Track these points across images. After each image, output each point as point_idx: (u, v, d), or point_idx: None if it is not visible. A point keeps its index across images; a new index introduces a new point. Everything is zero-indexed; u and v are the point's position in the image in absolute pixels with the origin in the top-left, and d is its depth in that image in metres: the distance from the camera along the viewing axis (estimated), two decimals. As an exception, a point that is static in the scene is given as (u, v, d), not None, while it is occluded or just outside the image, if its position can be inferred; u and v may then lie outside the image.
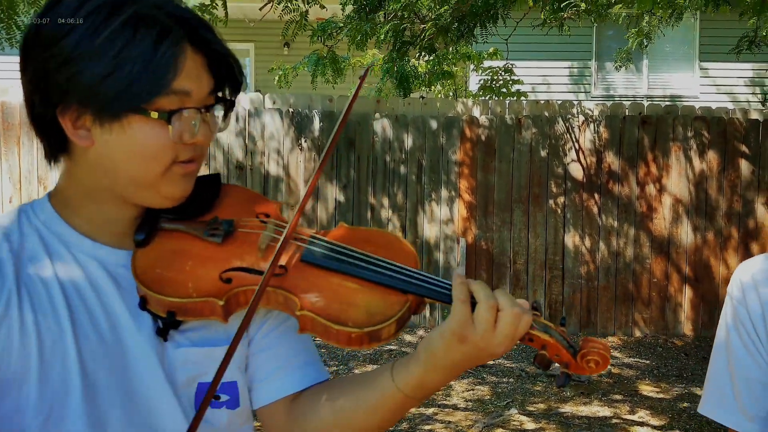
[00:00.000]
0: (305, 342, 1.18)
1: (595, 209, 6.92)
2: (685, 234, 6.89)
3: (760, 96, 11.68)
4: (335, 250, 1.05)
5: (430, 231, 6.90)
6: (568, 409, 5.09)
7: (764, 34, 6.29)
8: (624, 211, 6.92)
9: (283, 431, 1.13)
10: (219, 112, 1.09)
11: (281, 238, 1.02)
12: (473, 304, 0.95)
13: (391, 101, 7.11)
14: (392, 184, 6.91)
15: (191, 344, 1.08)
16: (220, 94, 1.07)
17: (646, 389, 5.55)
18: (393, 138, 6.89)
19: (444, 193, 6.87)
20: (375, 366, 5.73)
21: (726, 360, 1.31)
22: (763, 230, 6.86)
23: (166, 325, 1.04)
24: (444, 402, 5.18)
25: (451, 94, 9.44)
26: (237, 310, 1.03)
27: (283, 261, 1.03)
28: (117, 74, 0.95)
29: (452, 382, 5.58)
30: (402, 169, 6.91)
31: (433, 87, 8.43)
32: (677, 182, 6.89)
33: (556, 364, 0.97)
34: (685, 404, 5.18)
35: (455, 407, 5.09)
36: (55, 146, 1.04)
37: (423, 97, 7.30)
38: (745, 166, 6.86)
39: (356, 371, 5.81)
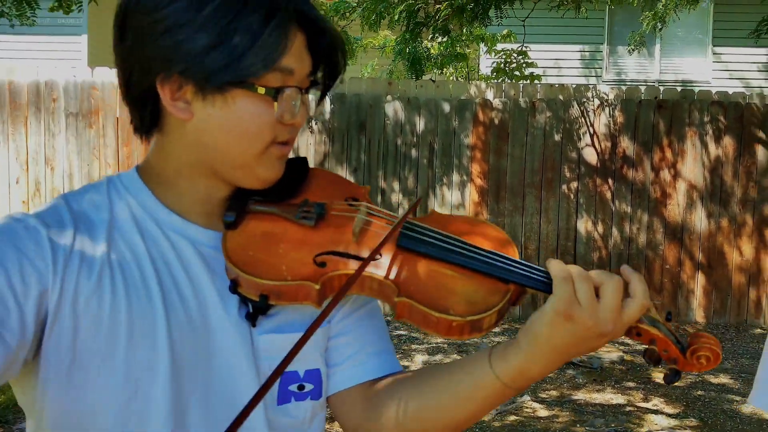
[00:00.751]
0: (381, 330, 1.14)
1: (609, 195, 6.84)
2: (699, 220, 6.82)
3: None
4: (431, 236, 1.01)
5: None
6: (581, 396, 5.04)
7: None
8: (638, 197, 6.84)
9: (357, 421, 1.09)
10: (312, 95, 1.05)
11: (393, 226, 0.99)
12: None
13: (403, 83, 7.02)
14: (403, 168, 6.84)
15: (276, 330, 1.03)
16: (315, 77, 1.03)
17: (660, 377, 5.50)
18: (405, 121, 6.81)
19: (455, 177, 6.80)
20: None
21: None
22: (779, 217, 6.78)
23: (257, 310, 1.00)
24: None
25: (463, 77, 9.33)
26: (330, 295, 0.98)
27: (382, 247, 1.00)
28: (225, 45, 0.92)
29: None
30: (413, 152, 6.83)
31: (445, 69, 8.33)
32: (692, 168, 6.80)
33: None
34: (700, 392, 5.13)
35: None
36: (149, 119, 1.00)
37: (433, 80, 7.20)
38: (761, 152, 6.77)
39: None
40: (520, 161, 6.83)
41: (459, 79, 8.74)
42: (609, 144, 6.83)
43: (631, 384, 5.33)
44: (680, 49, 11.94)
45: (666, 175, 6.82)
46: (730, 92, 7.02)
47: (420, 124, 6.82)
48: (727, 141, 6.78)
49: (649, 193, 6.84)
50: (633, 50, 8.39)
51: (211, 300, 1.00)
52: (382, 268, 0.97)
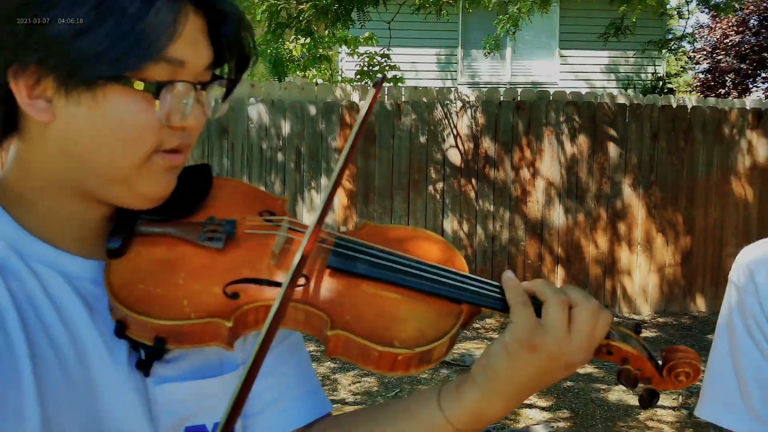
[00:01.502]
0: (305, 366, 0.98)
1: (473, 194, 6.98)
2: (557, 216, 7.09)
3: (616, 83, 12.31)
4: (368, 252, 0.85)
5: (309, 221, 6.68)
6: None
7: (633, 20, 6.54)
8: (500, 196, 7.02)
9: None
10: (215, 92, 0.86)
11: (304, 240, 0.80)
12: (536, 307, 0.79)
13: (266, 85, 6.82)
14: (269, 173, 6.64)
15: (178, 378, 0.84)
16: (218, 71, 0.85)
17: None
18: (270, 124, 6.61)
19: (324, 181, 6.68)
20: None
21: (731, 359, 1.20)
22: (630, 211, 7.18)
23: (151, 356, 0.81)
24: (331, 397, 5.02)
25: (326, 79, 9.24)
26: (244, 333, 0.81)
27: (304, 269, 0.83)
28: (96, 30, 0.72)
29: (337, 375, 5.43)
30: (280, 156, 6.65)
31: (308, 72, 8.20)
32: (550, 166, 7.07)
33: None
34: (569, 383, 5.31)
35: (343, 402, 4.94)
36: (4, 122, 0.80)
37: (290, 81, 7.05)
38: (613, 149, 7.14)
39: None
40: (387, 163, 6.82)
41: (324, 81, 8.62)
42: (471, 145, 6.96)
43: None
44: (530, 53, 12.48)
45: (526, 173, 7.05)
46: (578, 93, 7.36)
47: (286, 128, 6.64)
48: (582, 139, 7.10)
49: (510, 191, 7.03)
50: (489, 53, 8.61)
51: (93, 348, 0.80)
52: (309, 295, 0.81)
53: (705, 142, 7.26)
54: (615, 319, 6.00)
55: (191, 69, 0.79)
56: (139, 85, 0.75)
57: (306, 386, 0.96)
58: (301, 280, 0.82)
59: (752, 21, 12.33)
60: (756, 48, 12.41)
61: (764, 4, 11.44)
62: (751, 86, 13.22)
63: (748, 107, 7.38)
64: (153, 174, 0.81)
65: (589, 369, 5.61)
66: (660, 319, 7.08)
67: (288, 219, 0.90)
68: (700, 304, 7.33)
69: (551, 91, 7.30)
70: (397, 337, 0.78)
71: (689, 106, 7.29)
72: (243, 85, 6.88)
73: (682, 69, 15.25)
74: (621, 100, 7.26)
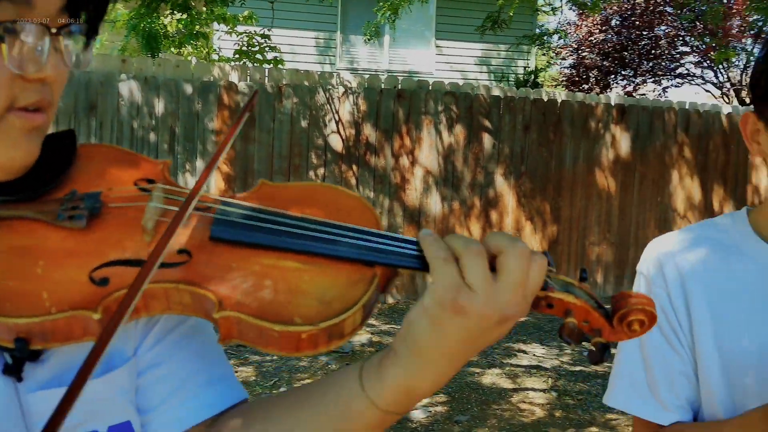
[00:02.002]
0: (210, 351, 0.87)
1: (354, 180, 6.97)
2: (434, 204, 7.22)
3: (488, 75, 12.69)
4: (261, 218, 0.74)
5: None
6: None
7: (510, 14, 6.73)
8: (380, 183, 7.06)
9: None
10: (75, 42, 0.74)
11: (180, 208, 0.70)
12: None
13: (138, 61, 6.48)
14: (141, 153, 6.33)
15: (53, 383, 0.74)
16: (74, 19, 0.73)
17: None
18: (142, 102, 6.29)
19: (200, 163, 6.45)
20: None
21: (639, 348, 1.22)
22: (501, 200, 7.42)
23: (18, 360, 0.70)
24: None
25: (203, 57, 8.91)
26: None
27: (183, 242, 0.72)
28: None
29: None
30: (152, 136, 6.35)
31: (183, 48, 7.86)
32: (428, 155, 7.17)
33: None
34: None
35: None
36: None
37: (164, 58, 6.75)
38: (487, 139, 7.34)
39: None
40: (267, 147, 6.68)
41: (200, 60, 8.31)
42: (353, 131, 6.94)
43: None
44: (407, 42, 12.61)
45: (405, 161, 7.12)
46: (456, 83, 7.51)
47: (159, 106, 6.35)
48: (459, 129, 7.25)
49: (390, 178, 7.08)
50: (369, 40, 8.62)
51: None
52: (192, 273, 0.70)
53: (573, 135, 7.62)
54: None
55: (41, 9, 0.68)
56: None
57: (211, 372, 0.85)
58: (182, 257, 0.71)
59: (614, 20, 13.06)
60: (618, 46, 13.17)
61: (626, 5, 12.14)
62: (612, 83, 14.03)
63: (612, 103, 7.81)
64: (9, 137, 0.69)
65: (464, 353, 5.76)
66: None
67: (163, 187, 0.78)
68: (565, 289, 7.71)
69: (430, 81, 7.40)
70: (298, 312, 0.67)
71: (559, 100, 7.62)
72: (113, 59, 6.51)
73: (548, 64, 15.96)
74: (496, 92, 7.47)
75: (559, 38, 11.52)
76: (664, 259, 1.20)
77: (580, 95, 7.90)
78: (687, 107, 8.11)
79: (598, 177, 7.74)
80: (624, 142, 7.81)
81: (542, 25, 12.54)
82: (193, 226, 0.74)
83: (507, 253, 0.66)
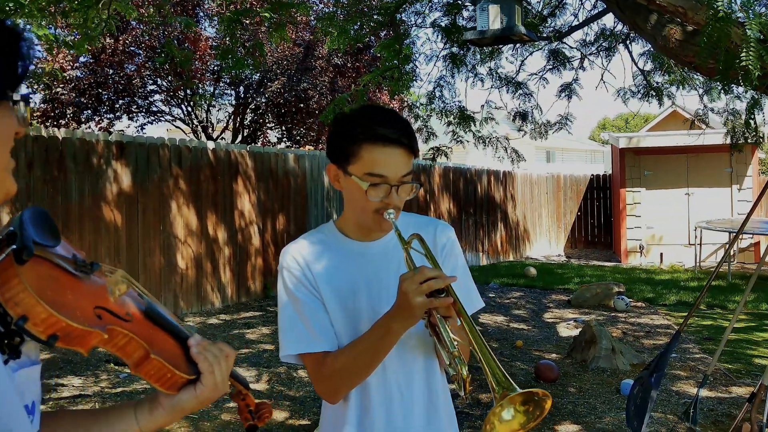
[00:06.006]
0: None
1: None
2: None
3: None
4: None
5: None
6: None
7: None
8: None
9: None
10: None
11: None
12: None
13: None
14: None
15: (25, 364, 0.96)
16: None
17: None
18: None
19: None
20: None
21: (294, 310, 1.75)
22: None
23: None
24: None
25: None
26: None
27: (130, 309, 1.07)
28: None
29: None
30: None
31: None
32: None
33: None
34: None
35: None
36: None
37: None
38: None
39: None
40: None
41: None
42: None
43: None
44: None
45: None
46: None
47: None
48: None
49: None
50: None
51: None
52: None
53: (77, 171, 7.76)
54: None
55: None
56: None
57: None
58: (128, 318, 1.06)
59: (85, 58, 13.16)
60: (93, 84, 13.34)
61: (100, 45, 12.39)
62: (90, 119, 14.11)
63: (112, 140, 8.19)
64: None
65: None
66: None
67: (110, 267, 1.16)
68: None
69: None
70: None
71: (60, 137, 7.68)
72: None
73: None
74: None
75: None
76: (296, 253, 1.81)
77: (79, 132, 8.07)
78: (178, 143, 8.98)
79: (104, 210, 8.02)
80: (126, 176, 8.26)
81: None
82: (131, 302, 1.12)
83: (219, 358, 1.15)
